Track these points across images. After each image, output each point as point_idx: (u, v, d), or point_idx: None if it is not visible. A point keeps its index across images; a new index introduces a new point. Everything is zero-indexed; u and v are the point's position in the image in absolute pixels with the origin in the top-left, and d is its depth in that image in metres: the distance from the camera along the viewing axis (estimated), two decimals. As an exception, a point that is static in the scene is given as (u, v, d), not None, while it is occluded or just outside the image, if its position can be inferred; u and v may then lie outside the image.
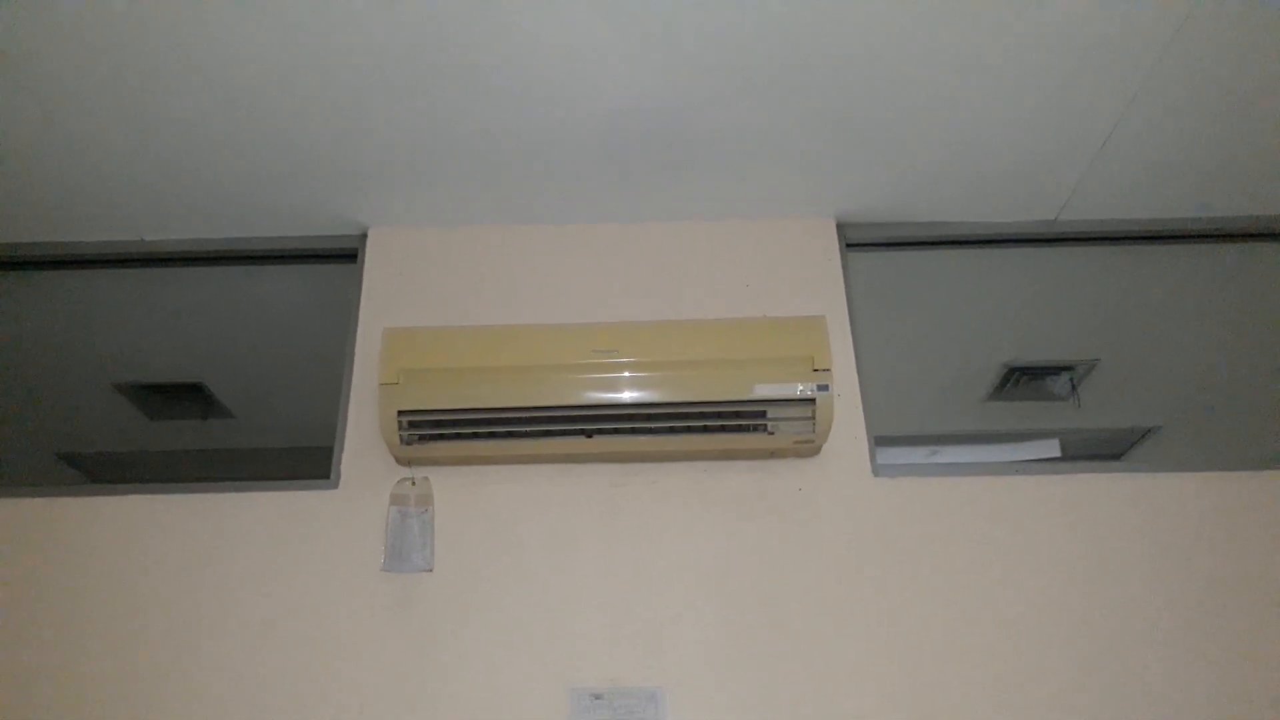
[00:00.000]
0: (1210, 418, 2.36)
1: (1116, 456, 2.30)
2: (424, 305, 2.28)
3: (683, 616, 1.94)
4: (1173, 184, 2.30)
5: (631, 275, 2.31)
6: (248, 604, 1.97)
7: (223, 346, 2.46)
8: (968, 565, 1.99)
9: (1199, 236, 2.45)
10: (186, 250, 2.44)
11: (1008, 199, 2.34)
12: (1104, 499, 2.05)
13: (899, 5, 1.77)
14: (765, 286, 2.29)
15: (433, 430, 1.96)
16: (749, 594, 1.96)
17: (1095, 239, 2.45)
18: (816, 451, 2.07)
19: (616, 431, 1.96)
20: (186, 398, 2.45)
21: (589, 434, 1.96)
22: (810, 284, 2.29)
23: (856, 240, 2.41)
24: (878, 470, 2.10)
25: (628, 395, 1.94)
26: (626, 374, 1.95)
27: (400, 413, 1.94)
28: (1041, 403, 2.40)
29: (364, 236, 2.40)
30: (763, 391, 1.93)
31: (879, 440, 2.18)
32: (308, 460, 2.21)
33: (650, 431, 1.97)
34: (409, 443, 1.97)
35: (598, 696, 1.86)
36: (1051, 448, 2.30)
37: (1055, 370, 2.40)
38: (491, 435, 1.97)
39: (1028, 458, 2.29)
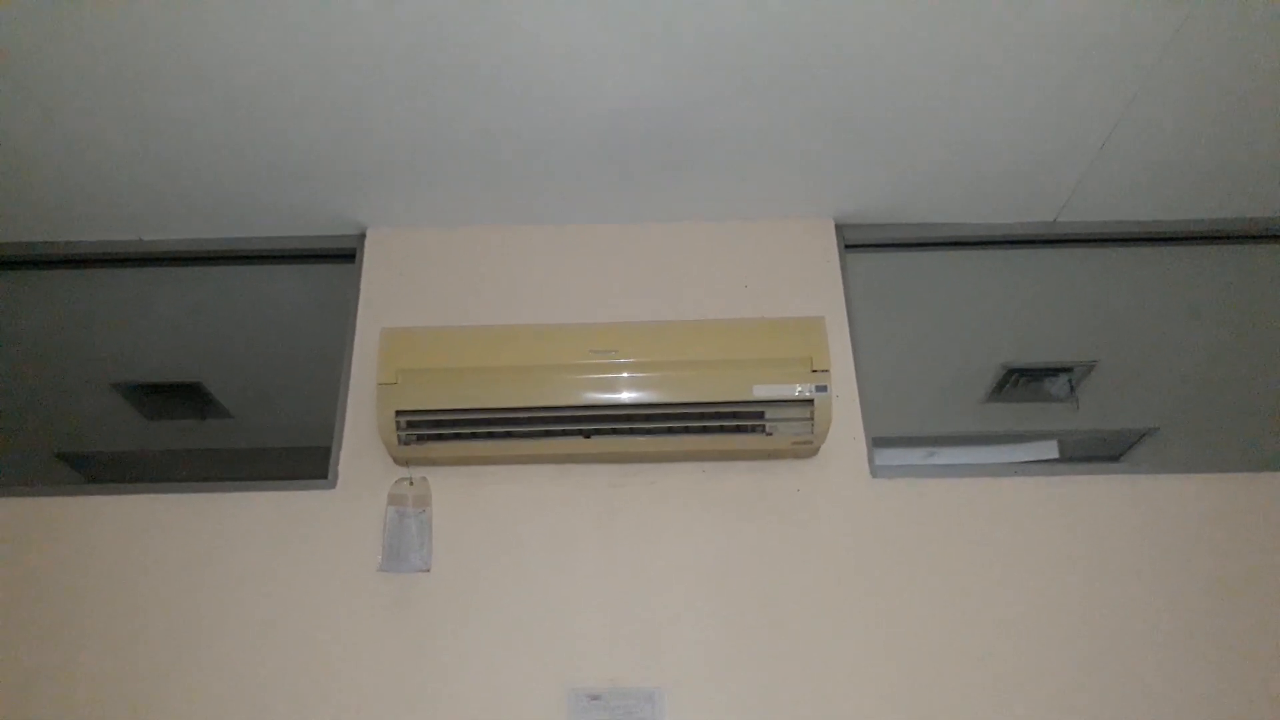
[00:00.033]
0: (1208, 419, 2.36)
1: (1115, 458, 2.30)
2: (422, 305, 2.28)
3: (681, 617, 1.94)
4: (1172, 185, 2.30)
5: (630, 275, 2.31)
6: (246, 604, 1.97)
7: (221, 346, 2.46)
8: (966, 566, 1.99)
9: (1198, 238, 2.45)
10: (185, 250, 2.44)
11: (1007, 200, 2.34)
12: (1102, 500, 2.05)
13: (898, 6, 1.77)
14: (764, 287, 2.29)
15: (431, 430, 1.96)
16: (747, 595, 1.96)
17: (1094, 240, 2.45)
18: (815, 452, 2.07)
19: (615, 432, 1.96)
20: (185, 397, 2.45)
21: (587, 434, 1.96)
22: (809, 285, 2.29)
23: (855, 241, 2.41)
24: (876, 471, 2.10)
25: (626, 396, 1.94)
26: (625, 374, 1.95)
27: (398, 413, 1.94)
28: (1040, 404, 2.40)
29: (362, 236, 2.40)
30: (761, 392, 1.92)
31: (877, 441, 2.18)
32: (306, 460, 2.21)
33: (648, 432, 1.97)
34: (407, 443, 1.97)
35: (595, 697, 1.86)
36: (1050, 449, 2.30)
37: (1054, 371, 2.40)
38: (489, 435, 1.97)
39: (1026, 459, 2.28)
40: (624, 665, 1.90)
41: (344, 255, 2.44)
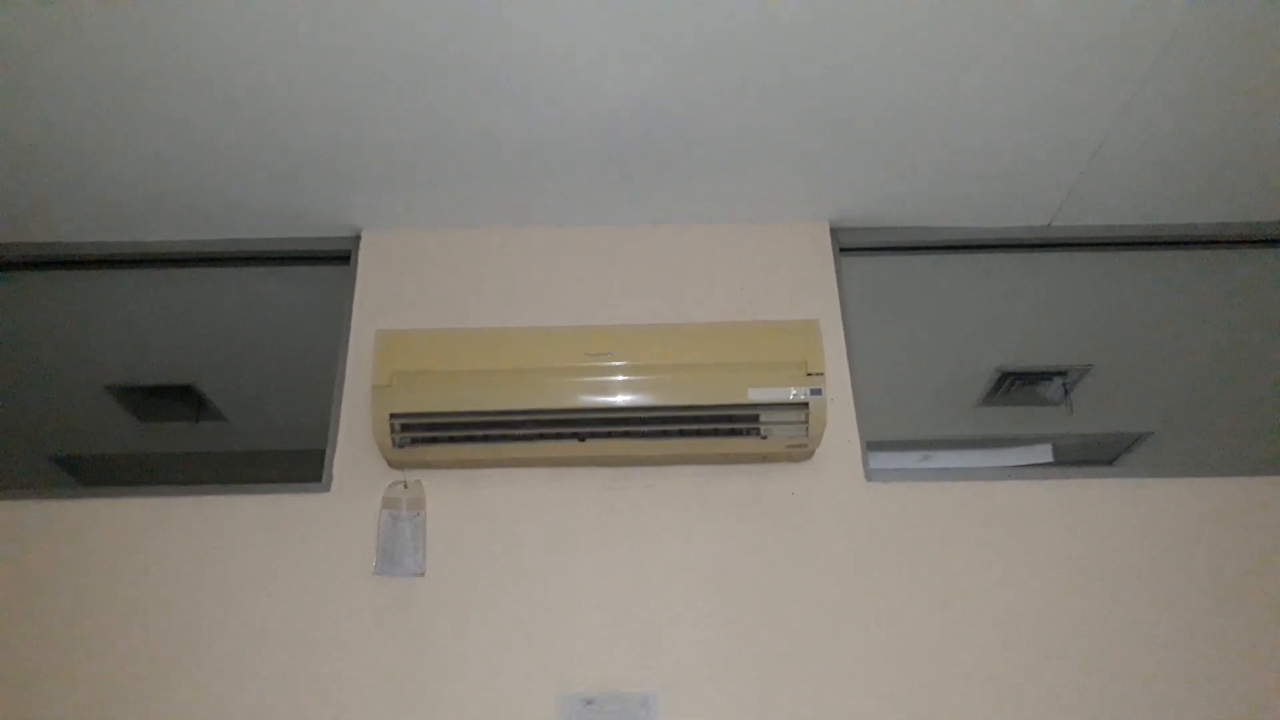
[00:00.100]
0: (1203, 423, 2.37)
1: (1109, 462, 2.30)
2: (417, 307, 2.28)
3: (677, 621, 1.94)
4: (1167, 189, 2.30)
5: (625, 278, 2.31)
6: (240, 608, 1.97)
7: (215, 348, 2.46)
8: (961, 570, 1.99)
9: (1192, 242, 2.46)
10: (179, 251, 2.43)
11: (1002, 204, 2.35)
12: (1097, 504, 2.06)
13: (894, 9, 1.77)
14: (759, 290, 2.29)
15: (425, 433, 1.96)
16: (743, 599, 1.96)
17: (1089, 244, 2.46)
18: (809, 456, 2.07)
19: (610, 435, 1.96)
20: (179, 400, 2.44)
21: (582, 437, 1.96)
22: (804, 288, 2.30)
23: (850, 244, 2.41)
24: (870, 475, 2.10)
25: (621, 399, 1.94)
26: (620, 377, 1.95)
27: (393, 415, 1.94)
28: (1034, 408, 2.40)
29: (357, 238, 2.40)
30: (756, 395, 1.93)
31: (872, 445, 2.18)
32: (300, 463, 2.21)
33: (644, 435, 1.96)
34: (401, 446, 1.96)
35: (590, 701, 1.85)
36: (1044, 453, 2.31)
37: (1048, 375, 2.40)
38: (484, 438, 1.97)
39: (1020, 463, 2.29)
40: (619, 669, 1.89)
41: (339, 257, 2.43)
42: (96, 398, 2.43)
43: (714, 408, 1.93)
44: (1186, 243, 2.46)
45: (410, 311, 2.27)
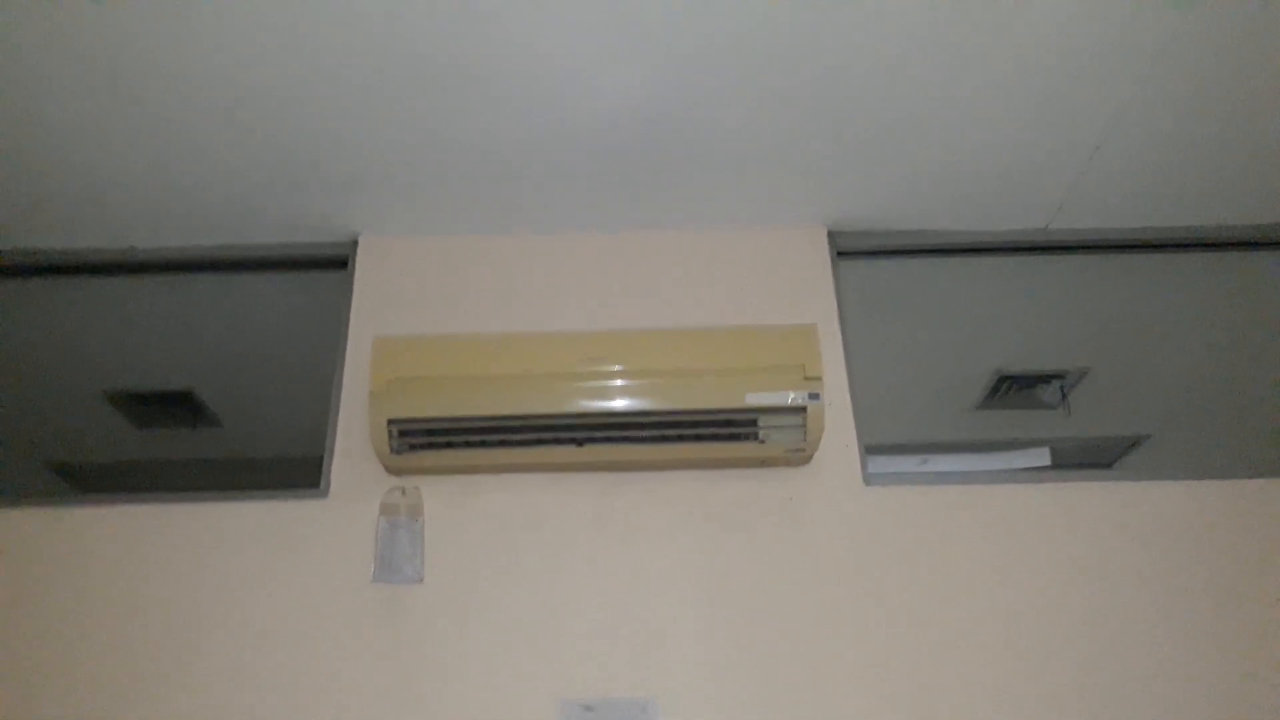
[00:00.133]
0: (1201, 426, 2.37)
1: (1107, 465, 2.31)
2: (414, 314, 2.27)
3: (675, 626, 1.94)
4: (1164, 192, 2.30)
5: (622, 283, 2.31)
6: (238, 614, 1.96)
7: (213, 355, 2.46)
8: (959, 574, 1.99)
9: (1190, 245, 2.46)
10: (177, 258, 2.43)
11: (999, 207, 2.34)
12: (1095, 507, 2.05)
13: (891, 13, 1.77)
14: (756, 295, 2.29)
15: (423, 439, 1.96)
16: (741, 604, 1.96)
17: (1086, 247, 2.46)
18: (808, 460, 2.07)
19: (608, 440, 1.96)
20: (176, 406, 2.44)
21: (580, 443, 1.96)
22: (801, 292, 2.29)
23: (847, 248, 2.41)
24: (869, 479, 2.10)
25: (619, 404, 1.93)
26: (618, 382, 1.95)
27: (390, 421, 1.94)
28: (1032, 411, 2.41)
29: (355, 244, 2.40)
30: (754, 400, 1.92)
31: (870, 449, 2.18)
32: (297, 469, 2.20)
33: (642, 440, 1.96)
34: (399, 452, 1.96)
35: (589, 708, 1.85)
36: (1042, 456, 2.31)
37: (1046, 379, 2.41)
38: (482, 444, 1.96)
39: (1018, 466, 2.29)
40: (618, 675, 1.89)
41: (336, 263, 2.43)
42: (94, 404, 2.43)
43: (712, 412, 1.93)
44: (1184, 245, 2.45)
45: (408, 317, 2.27)
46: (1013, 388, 2.41)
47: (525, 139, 2.07)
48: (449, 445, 1.96)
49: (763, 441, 1.95)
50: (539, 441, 1.96)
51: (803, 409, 1.92)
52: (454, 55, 1.85)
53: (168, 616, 1.96)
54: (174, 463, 2.43)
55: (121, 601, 1.98)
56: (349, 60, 1.85)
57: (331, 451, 2.14)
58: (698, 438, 1.96)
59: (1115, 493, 2.07)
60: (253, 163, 2.12)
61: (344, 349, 2.25)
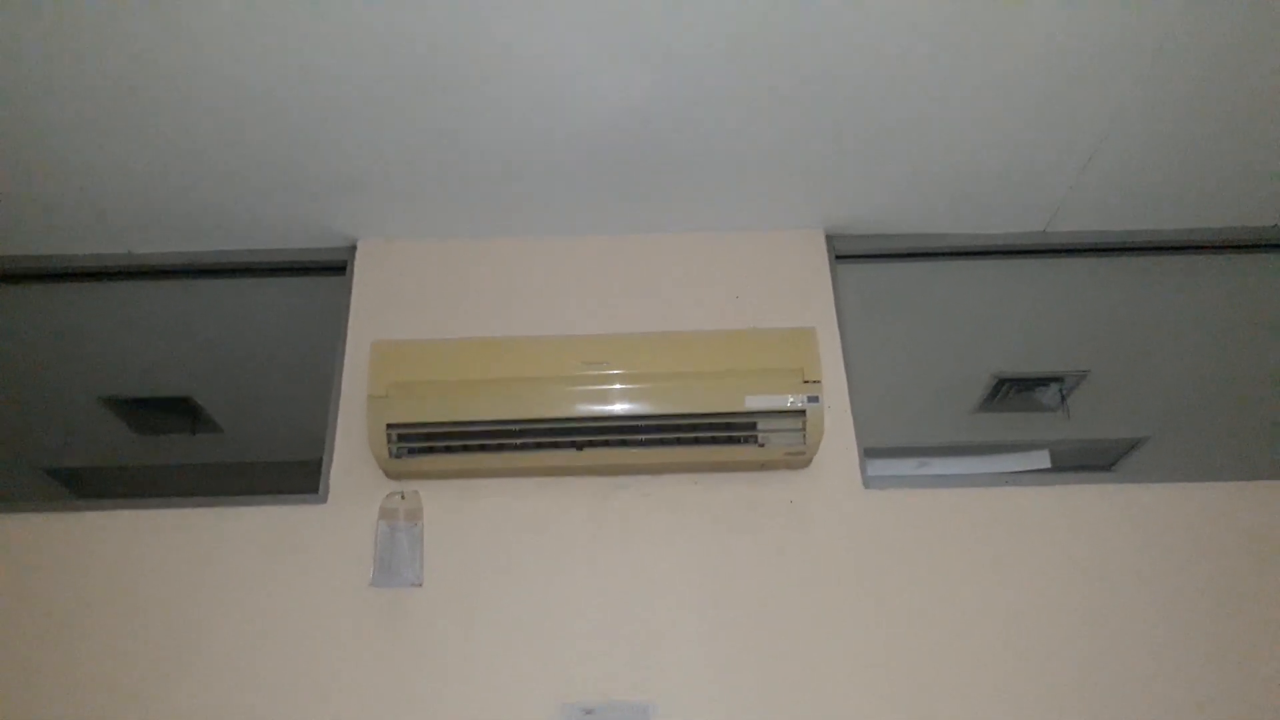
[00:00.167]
0: (1200, 428, 2.37)
1: (1106, 467, 2.30)
2: (413, 318, 2.27)
3: (675, 629, 1.93)
4: (1162, 195, 2.31)
5: (621, 287, 2.31)
6: (237, 619, 1.96)
7: (211, 360, 2.45)
8: (959, 577, 1.99)
9: (1188, 247, 2.46)
10: (175, 263, 2.43)
11: (997, 210, 2.35)
12: (1094, 510, 2.05)
13: (888, 17, 1.77)
14: (755, 298, 2.29)
15: (422, 444, 1.96)
16: (741, 606, 1.95)
17: (1085, 250, 2.46)
18: (807, 463, 2.07)
19: (607, 444, 1.96)
20: (175, 411, 2.44)
21: (579, 446, 1.96)
22: (800, 296, 2.30)
23: (846, 252, 2.41)
24: (868, 482, 2.09)
25: (618, 407, 1.93)
26: (617, 386, 1.95)
27: (389, 426, 1.94)
28: (1031, 413, 2.40)
29: (353, 249, 2.40)
30: (753, 403, 1.92)
31: (869, 452, 2.18)
32: (296, 474, 2.20)
33: (641, 444, 1.96)
34: (398, 456, 1.96)
35: (589, 711, 1.85)
36: (1041, 459, 2.31)
37: (1045, 381, 2.41)
38: (482, 448, 1.96)
39: (1018, 469, 2.29)
40: (618, 678, 1.89)
41: (335, 268, 2.43)
42: (92, 410, 2.43)
43: (711, 415, 1.93)
44: (1182, 247, 2.46)
45: (406, 322, 2.27)
46: (1012, 390, 2.41)
47: (524, 141, 2.07)
48: (448, 449, 1.96)
49: (762, 445, 1.95)
50: (538, 445, 1.96)
51: (802, 412, 1.92)
52: (452, 58, 1.85)
53: (167, 622, 1.96)
54: (173, 468, 2.43)
55: (121, 607, 1.97)
56: (348, 64, 1.85)
57: (330, 456, 2.14)
58: (697, 441, 1.96)
59: (1115, 495, 2.07)
60: (251, 167, 2.12)
61: (343, 353, 2.25)
